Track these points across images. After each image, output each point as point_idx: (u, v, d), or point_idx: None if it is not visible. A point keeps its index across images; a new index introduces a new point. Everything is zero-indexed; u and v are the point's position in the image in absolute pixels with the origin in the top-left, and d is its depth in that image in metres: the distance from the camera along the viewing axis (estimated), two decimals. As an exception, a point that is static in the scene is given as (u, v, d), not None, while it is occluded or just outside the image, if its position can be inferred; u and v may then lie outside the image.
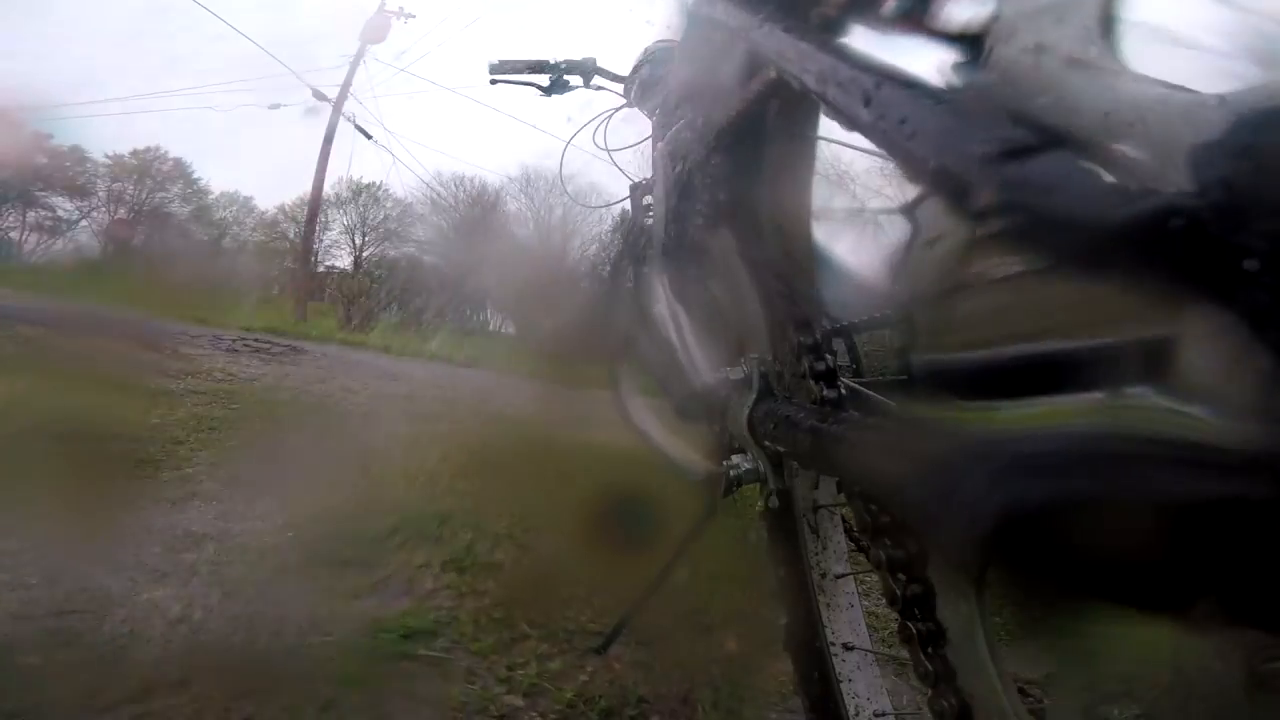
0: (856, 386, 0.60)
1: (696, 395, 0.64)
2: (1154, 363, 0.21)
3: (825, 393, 0.48)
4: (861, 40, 0.45)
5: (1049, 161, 0.26)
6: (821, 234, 0.60)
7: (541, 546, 1.62)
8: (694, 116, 0.73)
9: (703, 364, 0.70)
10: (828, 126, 0.58)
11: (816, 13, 0.48)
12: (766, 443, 0.51)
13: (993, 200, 0.26)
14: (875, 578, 0.46)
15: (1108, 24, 0.31)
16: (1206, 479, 0.19)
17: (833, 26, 0.47)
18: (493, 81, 1.38)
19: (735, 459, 0.58)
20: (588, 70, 1.32)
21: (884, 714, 0.72)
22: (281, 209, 18.04)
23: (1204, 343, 0.20)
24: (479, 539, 1.58)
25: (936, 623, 0.41)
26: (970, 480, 0.26)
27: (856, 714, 0.71)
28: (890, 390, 0.57)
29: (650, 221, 1.04)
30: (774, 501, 0.62)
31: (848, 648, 0.74)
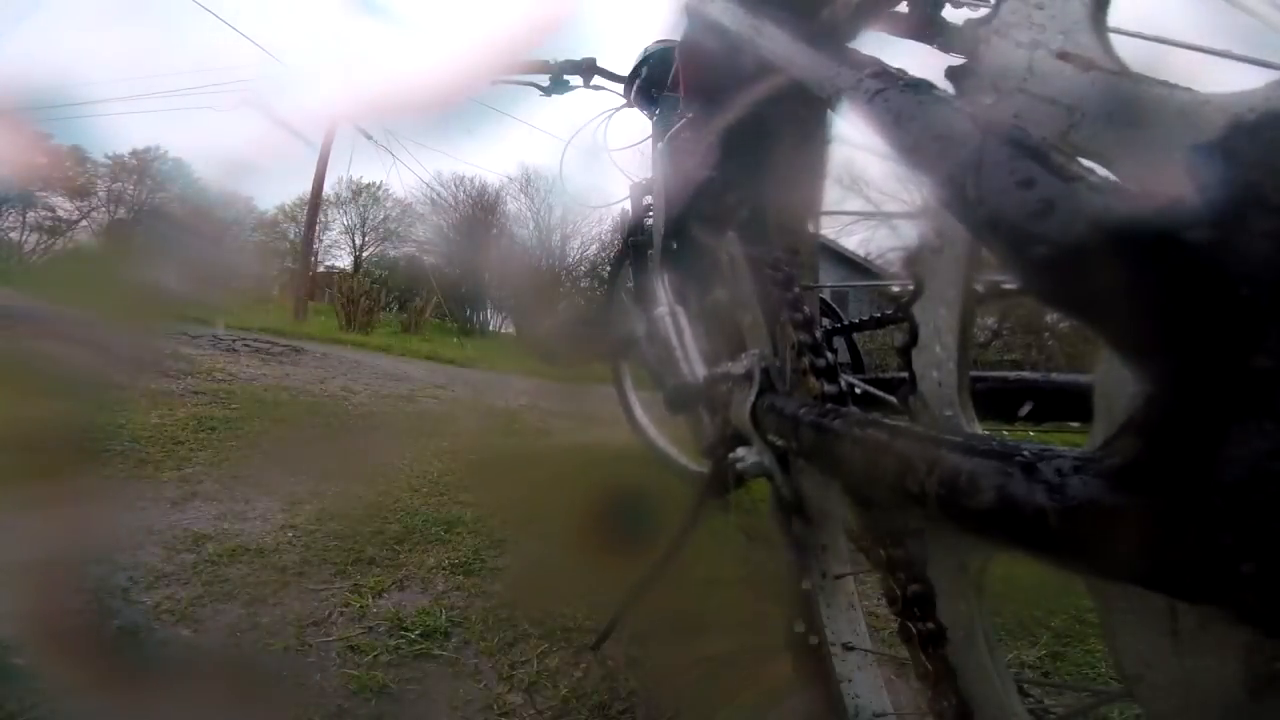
0: (857, 384, 0.60)
1: (695, 388, 0.64)
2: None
3: (826, 389, 0.48)
4: (867, 43, 0.45)
5: (1050, 165, 0.26)
6: (825, 234, 0.60)
7: (542, 549, 1.63)
8: (697, 117, 0.73)
9: (702, 360, 0.70)
10: (834, 128, 0.59)
11: (823, 16, 0.48)
12: (771, 437, 0.50)
13: (995, 206, 0.26)
14: (875, 577, 0.46)
15: (1106, 25, 0.31)
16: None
17: (839, 29, 0.47)
18: (493, 81, 1.38)
19: (741, 451, 0.57)
20: (588, 70, 1.32)
21: (884, 714, 0.72)
22: (281, 209, 18.06)
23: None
24: (484, 543, 1.59)
25: (937, 623, 0.41)
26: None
27: (856, 714, 0.71)
28: (891, 389, 0.57)
29: (650, 221, 1.04)
30: (786, 494, 0.62)
31: (847, 648, 0.74)
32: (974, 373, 0.39)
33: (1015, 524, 0.25)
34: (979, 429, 0.40)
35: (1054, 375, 0.59)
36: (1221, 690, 0.25)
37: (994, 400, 0.57)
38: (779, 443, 0.51)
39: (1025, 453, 0.26)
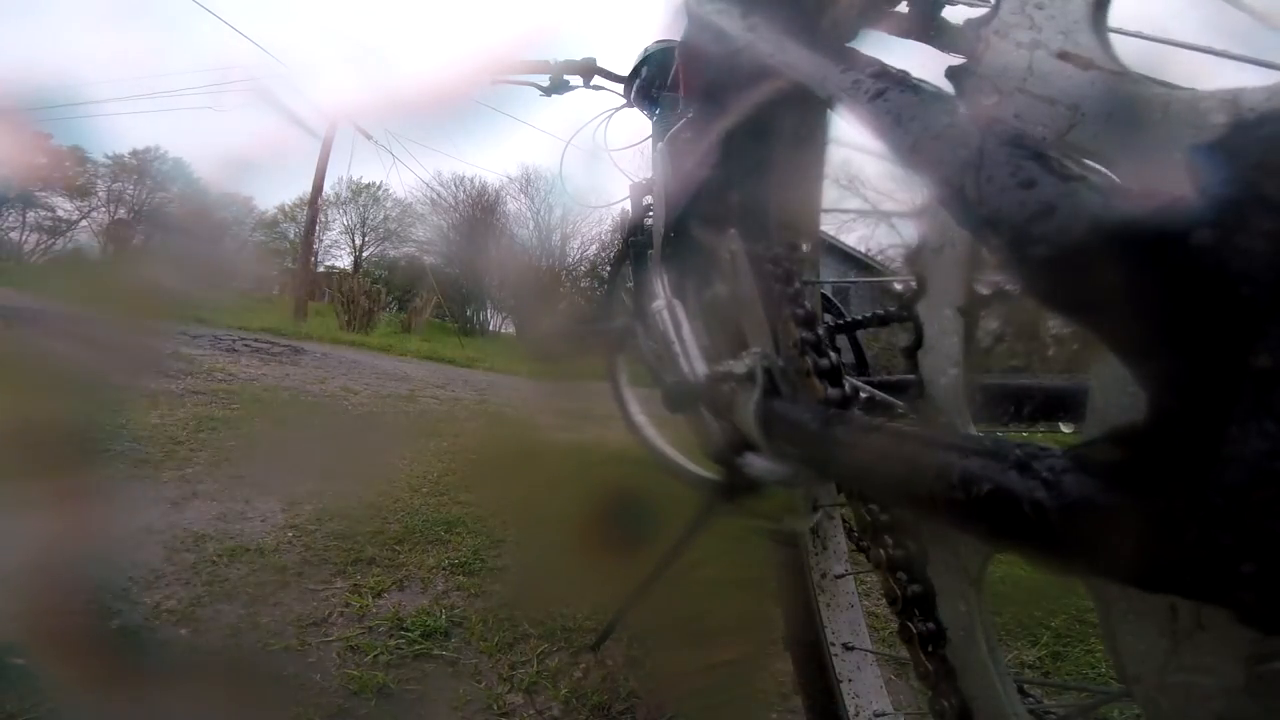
0: (861, 385, 0.60)
1: (696, 386, 0.64)
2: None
3: (830, 392, 0.48)
4: (867, 43, 0.45)
5: (1050, 166, 0.26)
6: (826, 230, 0.60)
7: (542, 549, 1.63)
8: (697, 117, 0.73)
9: (702, 356, 0.69)
10: (834, 128, 0.59)
11: (823, 16, 0.48)
12: (780, 442, 0.50)
13: (995, 206, 0.26)
14: (875, 577, 0.46)
15: (1106, 25, 0.31)
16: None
17: (838, 29, 0.47)
18: (493, 81, 1.38)
19: (750, 457, 0.56)
20: (588, 70, 1.32)
21: (884, 714, 0.72)
22: (281, 209, 18.10)
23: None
24: (484, 543, 1.60)
25: (937, 622, 0.41)
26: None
27: (856, 714, 0.71)
28: (895, 390, 0.57)
29: (650, 221, 1.04)
30: (806, 504, 0.62)
31: (848, 648, 0.74)
32: (982, 378, 0.39)
33: (1019, 525, 0.25)
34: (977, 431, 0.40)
35: (1050, 378, 0.59)
36: (1221, 690, 0.25)
37: (995, 403, 0.57)
38: (786, 447, 0.50)
39: (1028, 452, 0.26)
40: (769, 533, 0.77)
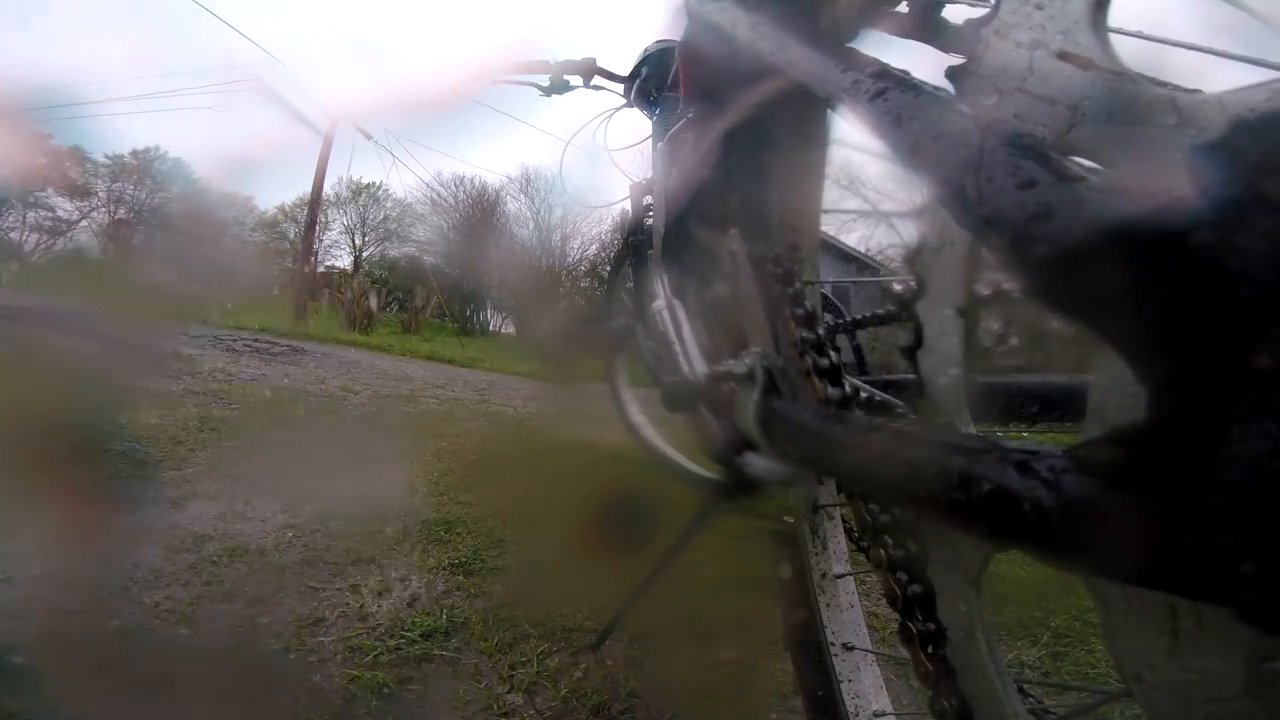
0: (861, 385, 0.60)
1: (695, 386, 0.64)
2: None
3: (829, 392, 0.47)
4: (867, 43, 0.45)
5: (1050, 166, 0.26)
6: (826, 230, 0.60)
7: (542, 549, 1.63)
8: (697, 117, 0.73)
9: (702, 356, 0.69)
10: (834, 128, 0.58)
11: (823, 16, 0.48)
12: (780, 441, 0.49)
13: (995, 206, 0.26)
14: (875, 577, 0.46)
15: (1106, 25, 0.31)
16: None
17: (839, 29, 0.47)
18: (493, 81, 1.38)
19: (750, 456, 0.56)
20: (588, 70, 1.32)
21: (884, 714, 0.72)
22: (281, 209, 18.11)
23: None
24: (484, 543, 1.60)
25: (937, 622, 0.41)
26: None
27: (856, 714, 0.71)
28: (895, 390, 0.57)
29: (650, 221, 1.04)
30: (806, 504, 0.61)
31: (848, 648, 0.74)
32: (982, 378, 0.39)
33: (1019, 524, 0.25)
34: (975, 431, 0.40)
35: (1050, 377, 0.59)
36: (1221, 690, 0.25)
37: (995, 403, 0.57)
38: (786, 447, 0.50)
39: (1028, 452, 0.26)
40: (769, 533, 0.77)
